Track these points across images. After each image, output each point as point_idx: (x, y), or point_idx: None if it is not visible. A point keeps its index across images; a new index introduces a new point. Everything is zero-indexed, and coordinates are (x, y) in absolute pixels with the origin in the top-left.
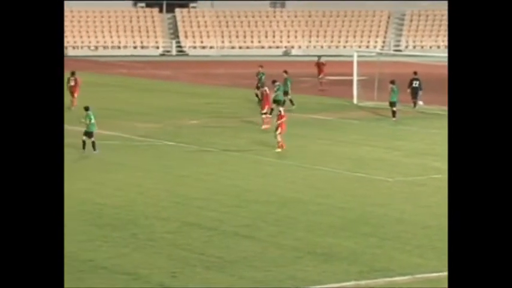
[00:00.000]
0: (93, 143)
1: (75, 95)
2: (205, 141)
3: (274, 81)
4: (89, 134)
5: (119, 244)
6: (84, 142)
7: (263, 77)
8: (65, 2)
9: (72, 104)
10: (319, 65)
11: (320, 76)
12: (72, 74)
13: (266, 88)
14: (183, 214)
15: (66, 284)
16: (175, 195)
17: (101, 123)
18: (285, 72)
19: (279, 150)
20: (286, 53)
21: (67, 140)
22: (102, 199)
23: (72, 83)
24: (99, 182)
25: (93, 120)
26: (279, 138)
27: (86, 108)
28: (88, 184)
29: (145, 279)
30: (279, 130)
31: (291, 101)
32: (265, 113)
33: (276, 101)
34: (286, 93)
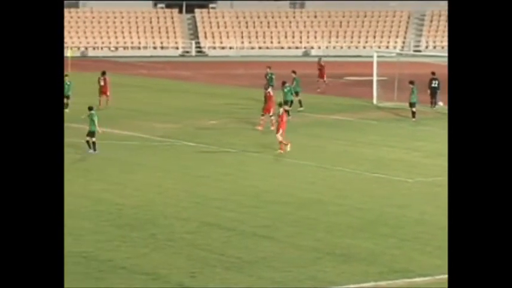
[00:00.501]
0: (94, 143)
1: (108, 94)
2: (224, 141)
3: (284, 83)
4: (91, 133)
5: (138, 244)
6: (88, 142)
7: (273, 78)
8: (86, 2)
9: (101, 104)
10: (320, 67)
11: (324, 79)
12: (103, 73)
13: (270, 90)
14: (202, 214)
15: (85, 283)
16: (194, 195)
17: (120, 123)
18: (294, 72)
19: (281, 151)
20: (306, 54)
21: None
22: (121, 199)
23: (102, 83)
24: (118, 182)
25: (95, 121)
26: (280, 139)
27: (90, 108)
28: (107, 184)
29: (164, 279)
30: (280, 131)
31: (300, 102)
32: (263, 115)
33: (286, 102)
34: (297, 93)
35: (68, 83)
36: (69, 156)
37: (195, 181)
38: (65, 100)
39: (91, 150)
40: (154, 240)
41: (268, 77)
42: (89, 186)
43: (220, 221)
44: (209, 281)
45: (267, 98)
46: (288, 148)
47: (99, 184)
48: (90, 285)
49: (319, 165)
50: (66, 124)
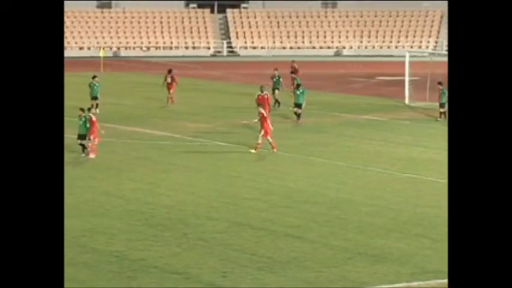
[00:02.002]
0: (83, 146)
1: (172, 91)
2: (255, 141)
3: (298, 85)
4: (80, 136)
5: (170, 244)
6: (82, 146)
7: (280, 80)
8: (118, 3)
9: (170, 101)
10: (293, 69)
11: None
12: (169, 71)
13: (267, 93)
14: (233, 214)
15: (117, 283)
16: (226, 195)
17: (153, 123)
18: (292, 73)
19: (254, 151)
20: (337, 54)
21: (131, 141)
22: (153, 199)
23: (169, 80)
24: (150, 181)
25: (87, 123)
26: (259, 140)
27: (82, 110)
28: (139, 184)
29: (196, 279)
30: (262, 132)
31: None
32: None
33: (298, 105)
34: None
35: (97, 84)
36: (103, 155)
37: (226, 181)
38: (94, 101)
39: (83, 154)
40: (186, 239)
41: (275, 80)
42: (121, 186)
43: (252, 221)
44: (240, 280)
45: (264, 101)
46: (252, 151)
47: (132, 184)
48: (122, 284)
49: (351, 165)
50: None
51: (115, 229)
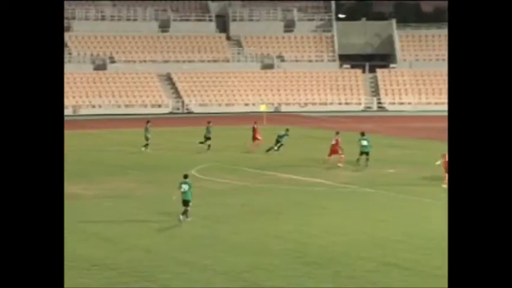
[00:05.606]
0: (186, 211)
1: (335, 153)
2: (401, 188)
3: (362, 133)
4: (184, 202)
5: (323, 280)
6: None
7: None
8: (280, 64)
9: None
10: (254, 130)
11: (255, 142)
12: (337, 133)
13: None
14: (381, 255)
15: None
16: (374, 237)
17: (306, 171)
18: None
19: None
20: None
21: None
22: (308, 239)
23: (334, 142)
24: (305, 224)
25: (188, 189)
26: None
27: (185, 176)
28: (295, 226)
29: None
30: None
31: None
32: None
33: (363, 153)
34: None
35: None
36: (264, 200)
37: (375, 224)
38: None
39: (184, 217)
40: (338, 277)
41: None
42: (279, 227)
43: (399, 262)
44: None
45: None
46: None
47: (288, 225)
48: None
49: None
50: (257, 171)
51: (273, 266)
